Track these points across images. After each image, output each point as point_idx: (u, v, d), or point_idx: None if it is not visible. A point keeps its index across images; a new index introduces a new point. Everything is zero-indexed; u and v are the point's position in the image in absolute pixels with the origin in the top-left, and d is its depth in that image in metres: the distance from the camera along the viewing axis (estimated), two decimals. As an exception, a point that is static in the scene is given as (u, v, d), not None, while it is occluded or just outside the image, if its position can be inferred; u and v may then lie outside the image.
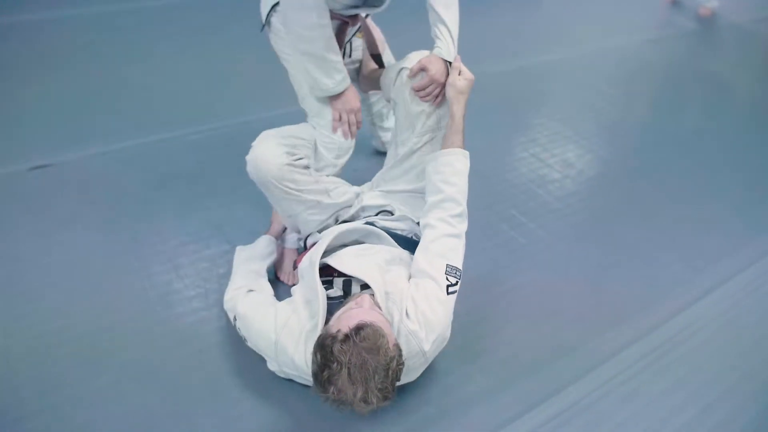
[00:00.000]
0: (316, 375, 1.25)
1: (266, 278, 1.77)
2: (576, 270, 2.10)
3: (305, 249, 1.83)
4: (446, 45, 1.72)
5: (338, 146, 1.83)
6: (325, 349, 1.23)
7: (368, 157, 2.54)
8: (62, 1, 3.83)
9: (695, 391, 1.70)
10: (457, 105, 1.70)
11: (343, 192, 1.83)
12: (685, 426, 1.60)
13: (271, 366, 1.53)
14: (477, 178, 2.47)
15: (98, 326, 1.72)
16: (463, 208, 1.60)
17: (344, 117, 1.79)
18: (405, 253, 1.66)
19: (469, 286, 1.91)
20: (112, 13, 3.74)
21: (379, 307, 1.41)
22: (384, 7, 1.78)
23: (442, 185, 1.61)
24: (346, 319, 1.28)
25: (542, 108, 3.18)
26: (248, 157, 1.66)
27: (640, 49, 4.13)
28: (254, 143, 1.67)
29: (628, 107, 3.31)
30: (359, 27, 1.91)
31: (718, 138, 3.07)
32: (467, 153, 1.67)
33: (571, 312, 1.92)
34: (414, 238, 1.76)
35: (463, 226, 1.59)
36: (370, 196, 1.87)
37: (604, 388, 1.67)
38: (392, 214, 1.82)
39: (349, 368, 1.19)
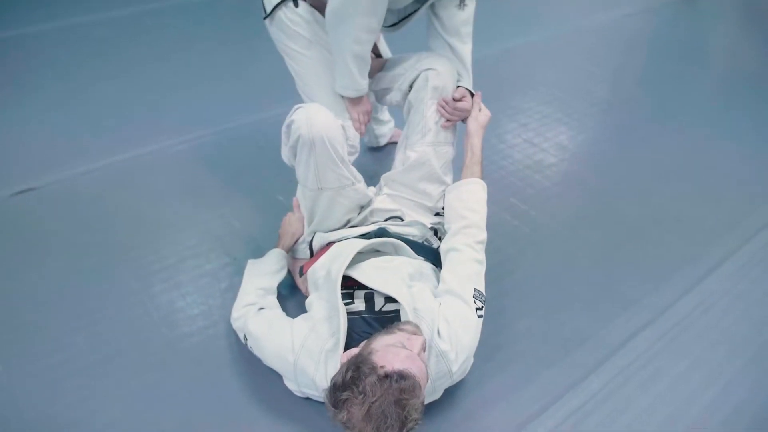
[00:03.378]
0: (335, 388, 1.18)
1: (275, 295, 1.73)
2: (582, 255, 2.08)
3: (311, 255, 1.79)
4: (469, 80, 1.84)
5: (350, 145, 1.84)
6: (360, 373, 1.16)
7: (361, 154, 2.49)
8: (33, 17, 3.73)
9: (714, 369, 1.68)
10: (478, 138, 1.80)
11: (365, 186, 1.81)
12: (711, 404, 1.58)
13: (289, 384, 1.48)
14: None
15: (102, 355, 1.67)
16: (485, 236, 1.63)
17: (362, 118, 1.84)
18: (425, 265, 1.63)
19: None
20: (86, 24, 3.65)
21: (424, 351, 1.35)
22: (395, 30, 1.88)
23: (465, 212, 1.65)
24: (394, 356, 1.20)
25: (530, 91, 3.15)
26: (295, 116, 1.59)
27: (621, 24, 4.11)
28: (301, 105, 1.61)
29: (616, 84, 3.29)
30: None
31: (708, 109, 3.06)
32: (485, 185, 1.73)
33: (582, 299, 1.90)
34: (425, 243, 1.74)
35: (484, 255, 1.61)
36: (380, 199, 1.84)
37: (624, 374, 1.65)
38: (402, 220, 1.79)
39: (371, 406, 1.12)
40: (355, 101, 1.79)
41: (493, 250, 2.02)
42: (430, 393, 1.41)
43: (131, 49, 3.43)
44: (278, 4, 1.71)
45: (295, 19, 1.72)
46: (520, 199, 2.32)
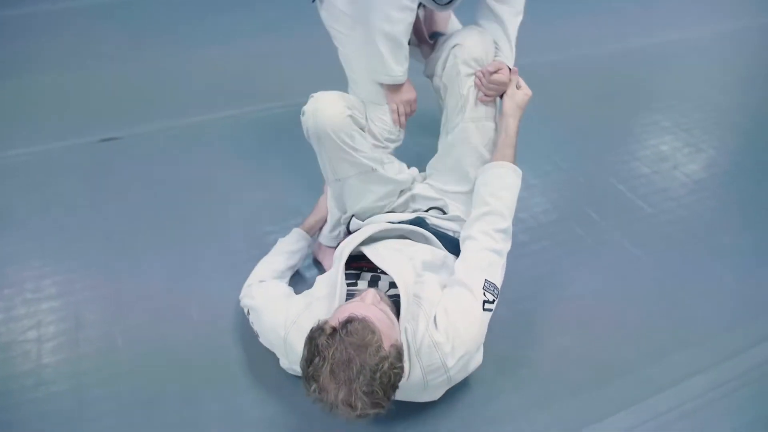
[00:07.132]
0: (303, 369, 1.15)
1: (286, 279, 1.71)
2: (651, 279, 1.84)
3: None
4: (509, 54, 1.66)
5: (389, 132, 1.75)
6: (311, 341, 1.13)
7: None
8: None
9: (774, 436, 1.42)
10: (513, 119, 1.62)
11: (397, 169, 1.73)
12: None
13: (283, 364, 1.45)
14: (553, 169, 2.24)
15: (122, 297, 1.74)
16: (508, 224, 1.48)
17: (401, 109, 1.73)
18: (450, 256, 1.53)
19: (522, 287, 1.74)
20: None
21: (393, 304, 1.29)
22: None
23: (489, 198, 1.51)
24: (341, 311, 1.18)
25: (641, 95, 2.86)
26: (306, 107, 1.57)
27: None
28: (314, 95, 1.58)
29: (744, 97, 2.90)
30: None
31: None
32: (519, 171, 1.56)
33: (636, 328, 1.68)
34: None
35: (506, 245, 1.47)
36: (422, 186, 1.75)
37: (661, 420, 1.44)
38: (444, 213, 1.68)
39: (332, 364, 1.08)
40: (393, 89, 1.69)
41: (545, 258, 1.88)
42: (423, 388, 1.31)
43: (231, 17, 3.54)
44: None
45: None
46: (595, 208, 2.10)
